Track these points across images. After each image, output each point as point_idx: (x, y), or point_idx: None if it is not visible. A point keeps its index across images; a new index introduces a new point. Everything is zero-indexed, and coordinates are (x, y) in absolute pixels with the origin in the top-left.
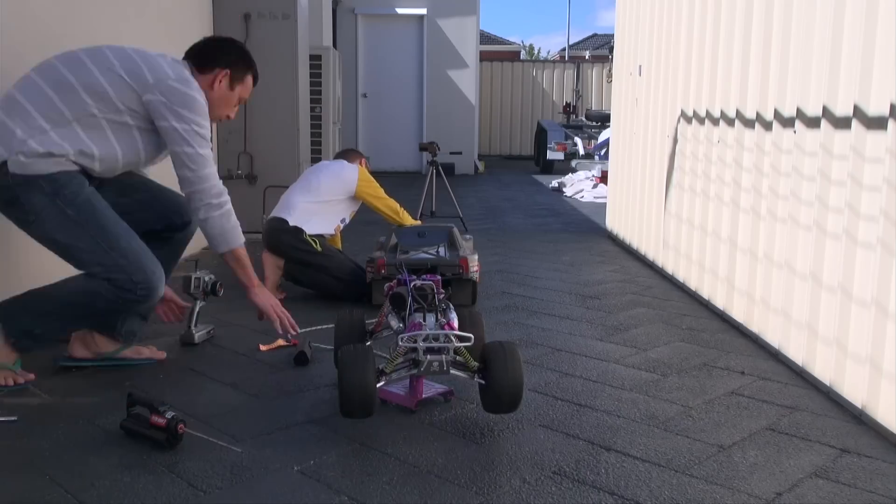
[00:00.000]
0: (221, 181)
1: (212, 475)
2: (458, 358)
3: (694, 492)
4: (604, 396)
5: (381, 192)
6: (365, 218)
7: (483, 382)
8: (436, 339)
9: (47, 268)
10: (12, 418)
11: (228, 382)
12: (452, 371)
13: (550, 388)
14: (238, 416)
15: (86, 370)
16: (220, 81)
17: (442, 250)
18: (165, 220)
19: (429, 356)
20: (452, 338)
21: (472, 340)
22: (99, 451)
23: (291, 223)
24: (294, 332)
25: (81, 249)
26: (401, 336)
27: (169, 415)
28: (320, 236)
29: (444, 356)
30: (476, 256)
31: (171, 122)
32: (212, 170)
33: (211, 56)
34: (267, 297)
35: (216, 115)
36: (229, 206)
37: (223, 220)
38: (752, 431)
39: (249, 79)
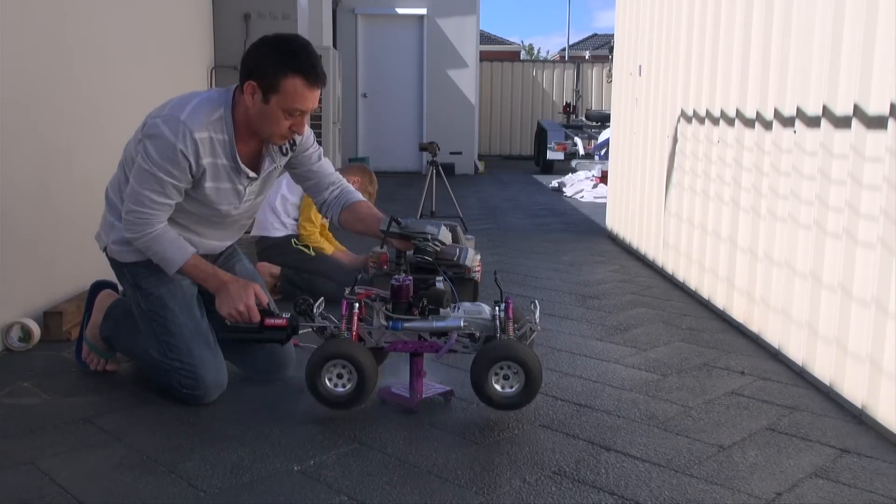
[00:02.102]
0: (155, 228)
1: (212, 475)
2: None
3: (694, 492)
4: (604, 396)
5: (312, 216)
6: None
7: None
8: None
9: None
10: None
11: (228, 382)
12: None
13: (550, 388)
14: (238, 416)
15: (86, 370)
16: (252, 96)
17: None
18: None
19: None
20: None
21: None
22: (99, 451)
23: (274, 235)
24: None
25: (148, 338)
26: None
27: (286, 314)
28: (306, 246)
29: None
30: (478, 257)
31: (139, 156)
32: (137, 208)
33: (241, 67)
34: (227, 301)
35: (264, 134)
36: (146, 238)
37: (148, 250)
38: (752, 431)
39: (290, 83)
